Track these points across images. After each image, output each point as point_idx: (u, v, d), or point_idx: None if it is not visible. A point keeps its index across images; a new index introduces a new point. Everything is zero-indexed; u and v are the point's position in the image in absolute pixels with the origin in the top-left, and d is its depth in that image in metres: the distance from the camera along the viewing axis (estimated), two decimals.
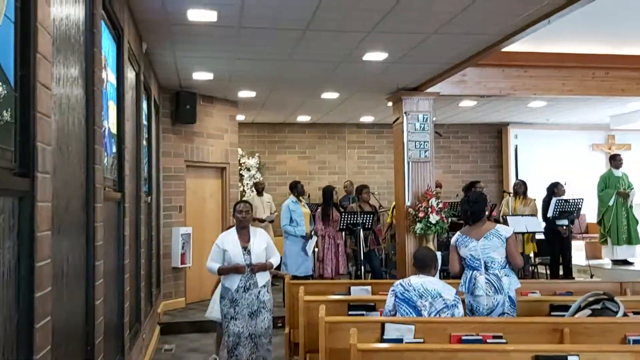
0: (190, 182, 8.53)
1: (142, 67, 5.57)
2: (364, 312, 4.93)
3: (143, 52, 5.69)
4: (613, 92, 8.62)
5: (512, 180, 11.77)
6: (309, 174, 12.12)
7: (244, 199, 10.82)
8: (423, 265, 4.32)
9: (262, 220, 9.99)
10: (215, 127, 8.86)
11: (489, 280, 4.52)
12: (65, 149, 2.65)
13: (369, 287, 5.81)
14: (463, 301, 4.59)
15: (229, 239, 5.12)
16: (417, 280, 4.22)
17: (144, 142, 6.11)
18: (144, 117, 5.98)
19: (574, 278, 8.57)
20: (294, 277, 7.53)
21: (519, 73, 8.35)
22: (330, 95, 8.74)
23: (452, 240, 4.84)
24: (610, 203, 9.30)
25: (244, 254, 5.04)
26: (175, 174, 8.27)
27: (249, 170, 11.61)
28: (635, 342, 3.68)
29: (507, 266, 4.58)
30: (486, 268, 4.57)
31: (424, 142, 8.15)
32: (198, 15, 4.89)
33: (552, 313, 4.65)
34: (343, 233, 8.06)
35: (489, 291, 4.51)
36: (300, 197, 8.26)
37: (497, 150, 12.46)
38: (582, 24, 6.78)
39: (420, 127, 8.16)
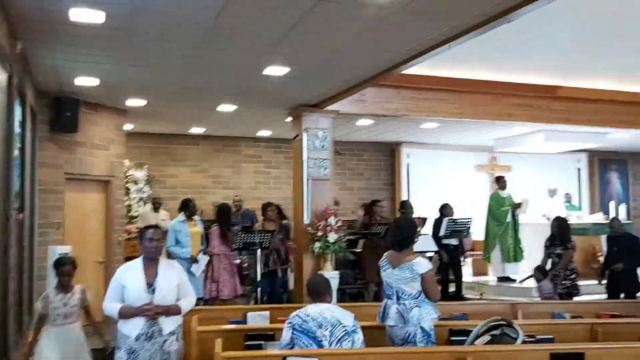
0: (70, 197, 7.76)
1: (14, 69, 4.92)
2: (262, 342, 4.65)
3: (17, 52, 5.04)
4: (500, 116, 9.06)
5: (404, 198, 12.05)
6: (202, 188, 11.60)
7: (140, 213, 10.12)
8: (318, 292, 4.12)
9: None
10: (100, 137, 8.17)
11: (399, 311, 4.37)
12: None
13: (267, 313, 5.52)
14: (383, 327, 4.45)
15: (131, 273, 4.15)
16: (315, 309, 4.00)
17: (16, 152, 5.41)
18: (16, 124, 5.29)
19: (464, 295, 8.83)
20: None
21: (414, 95, 8.52)
22: (227, 107, 8.39)
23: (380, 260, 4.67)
24: (508, 220, 9.77)
25: (147, 292, 4.07)
26: (53, 187, 7.48)
27: (136, 183, 10.89)
28: None
29: (420, 297, 4.39)
30: (398, 297, 4.42)
31: (324, 159, 8.04)
32: (82, 15, 4.39)
33: (452, 338, 4.63)
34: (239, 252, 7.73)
35: (400, 322, 4.36)
36: (192, 217, 7.79)
37: (390, 169, 12.71)
38: (473, 51, 7.03)
39: (320, 144, 8.05)
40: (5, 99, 4.62)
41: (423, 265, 4.40)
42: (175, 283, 4.19)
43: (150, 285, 4.10)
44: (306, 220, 8.00)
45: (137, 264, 4.21)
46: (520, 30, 6.49)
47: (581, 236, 9.74)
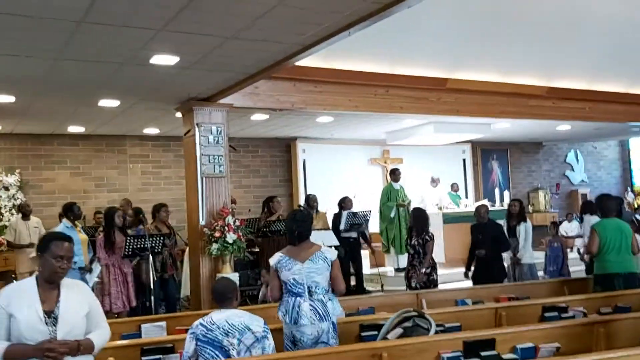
0: None
1: None
2: (161, 356, 4.23)
3: None
4: (392, 109, 9.14)
5: (302, 194, 11.91)
6: (83, 192, 10.69)
7: (9, 223, 9.10)
8: (223, 298, 3.78)
9: (24, 246, 8.51)
10: None
11: (314, 307, 4.11)
12: None
13: (164, 323, 5.09)
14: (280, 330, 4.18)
15: (22, 298, 3.05)
16: (220, 316, 3.67)
17: None
18: None
19: (365, 288, 8.83)
20: None
21: (309, 88, 8.35)
22: (109, 102, 7.70)
23: (272, 263, 4.24)
24: (392, 215, 9.89)
25: (46, 323, 3.02)
26: None
27: (7, 189, 9.81)
28: (450, 359, 3.65)
29: (329, 290, 4.21)
30: (310, 294, 4.14)
31: (219, 156, 7.63)
32: None
33: (363, 334, 4.49)
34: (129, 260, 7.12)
35: (314, 319, 4.09)
36: (76, 222, 7.10)
37: (287, 164, 12.51)
38: (366, 44, 7.01)
39: (214, 140, 7.63)
40: None
41: (330, 251, 4.29)
42: (84, 311, 3.14)
43: (50, 315, 3.05)
44: (202, 220, 7.56)
45: (30, 285, 3.11)
46: (411, 22, 6.57)
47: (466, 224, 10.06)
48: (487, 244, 7.32)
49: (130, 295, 7.02)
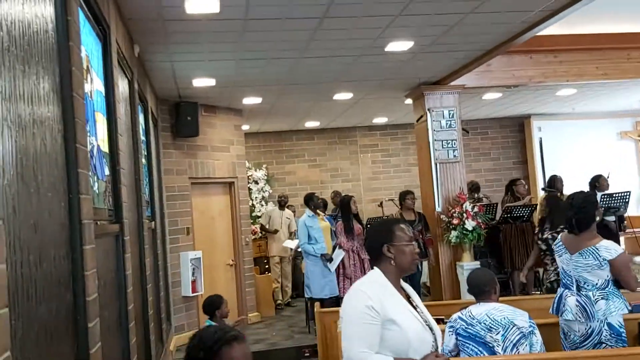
0: (196, 201, 7.75)
1: (135, 74, 4.80)
2: None
3: (136, 56, 4.92)
4: None
5: (539, 176, 11.00)
6: (320, 183, 11.31)
7: (264, 212, 10.02)
8: (480, 291, 3.51)
9: (274, 232, 9.28)
10: (220, 139, 8.08)
11: (581, 303, 3.70)
12: (32, 178, 1.87)
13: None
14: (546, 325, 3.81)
15: (392, 297, 2.38)
16: (479, 310, 3.42)
17: (143, 161, 5.33)
18: (141, 131, 5.20)
19: None
20: (320, 300, 6.76)
21: (548, 59, 7.61)
22: (343, 96, 7.96)
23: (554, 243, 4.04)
24: None
25: (428, 332, 2.40)
26: (179, 192, 7.48)
27: (256, 183, 10.83)
28: None
29: (607, 287, 3.70)
30: (578, 288, 3.75)
31: (452, 140, 7.37)
32: (197, 5, 4.12)
33: None
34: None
35: (580, 316, 3.69)
36: (318, 210, 7.46)
37: (520, 145, 11.65)
38: (616, 1, 6.07)
39: (447, 124, 7.39)
40: (128, 106, 4.49)
41: (611, 249, 3.69)
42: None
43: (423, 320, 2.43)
44: (438, 207, 7.38)
45: (384, 280, 2.41)
46: None
47: None
48: None
49: None
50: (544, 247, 5.95)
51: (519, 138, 11.62)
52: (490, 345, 3.35)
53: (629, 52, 7.69)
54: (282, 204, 9.63)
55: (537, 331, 3.43)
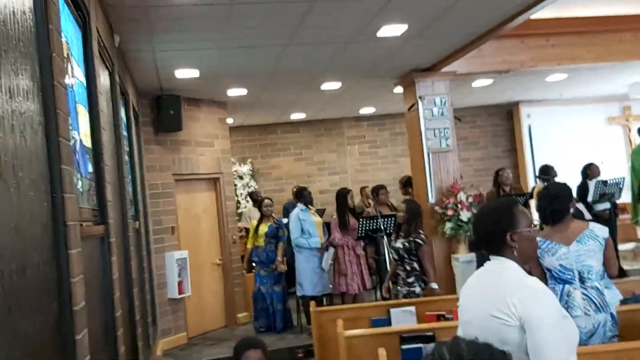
0: (180, 199, 7.45)
1: (116, 66, 4.51)
2: (421, 346, 3.97)
3: (116, 47, 4.62)
4: None
5: (529, 164, 10.91)
6: (307, 177, 11.06)
7: (243, 211, 9.71)
8: None
9: None
10: (204, 134, 7.79)
11: (587, 296, 3.54)
12: (12, 176, 1.61)
13: (413, 308, 4.84)
14: None
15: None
16: None
17: (126, 157, 5.04)
18: (123, 126, 4.91)
19: (623, 269, 7.67)
20: (312, 298, 6.54)
21: (540, 43, 7.46)
22: (332, 85, 7.72)
23: None
24: None
25: None
26: (163, 190, 7.18)
27: (241, 178, 10.55)
28: None
29: (605, 276, 3.61)
30: (581, 280, 3.58)
31: (444, 129, 7.20)
32: None
33: None
34: (362, 242, 7.05)
35: (589, 309, 3.52)
36: (309, 205, 7.23)
37: (509, 133, 11.52)
38: None
39: (439, 112, 7.21)
40: (110, 98, 4.20)
41: (602, 228, 3.64)
42: None
43: None
44: (431, 199, 7.20)
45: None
46: None
47: None
48: None
49: (364, 277, 6.96)
50: (395, 257, 5.40)
51: (507, 126, 11.50)
52: None
53: (621, 34, 7.59)
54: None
55: None
